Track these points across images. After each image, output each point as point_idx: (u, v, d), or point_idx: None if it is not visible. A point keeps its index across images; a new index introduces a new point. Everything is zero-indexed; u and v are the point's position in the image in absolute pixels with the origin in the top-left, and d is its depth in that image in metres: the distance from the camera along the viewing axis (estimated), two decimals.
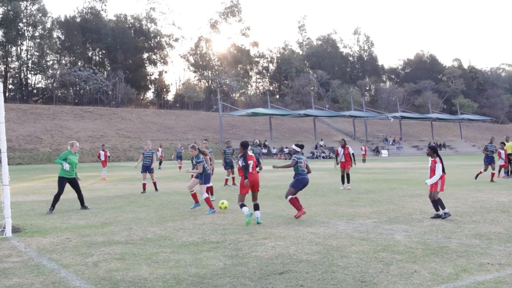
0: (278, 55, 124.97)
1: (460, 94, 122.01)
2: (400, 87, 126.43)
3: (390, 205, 13.60)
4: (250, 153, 11.19)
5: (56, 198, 13.11)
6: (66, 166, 13.08)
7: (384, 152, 74.89)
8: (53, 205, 13.04)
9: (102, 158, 28.08)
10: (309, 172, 11.73)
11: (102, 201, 15.54)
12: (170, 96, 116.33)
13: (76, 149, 13.57)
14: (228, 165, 20.79)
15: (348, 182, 18.55)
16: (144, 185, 18.55)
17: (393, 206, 13.37)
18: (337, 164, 19.21)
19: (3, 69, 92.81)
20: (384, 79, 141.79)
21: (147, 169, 18.43)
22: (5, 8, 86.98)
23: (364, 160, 45.24)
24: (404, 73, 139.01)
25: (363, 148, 47.69)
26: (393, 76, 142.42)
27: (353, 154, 18.71)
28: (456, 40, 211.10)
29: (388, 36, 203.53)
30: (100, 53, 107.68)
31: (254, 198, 11.05)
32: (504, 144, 23.41)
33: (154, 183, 18.87)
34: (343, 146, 18.57)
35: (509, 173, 23.85)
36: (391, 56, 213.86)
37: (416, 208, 13.00)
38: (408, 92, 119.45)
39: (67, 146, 13.71)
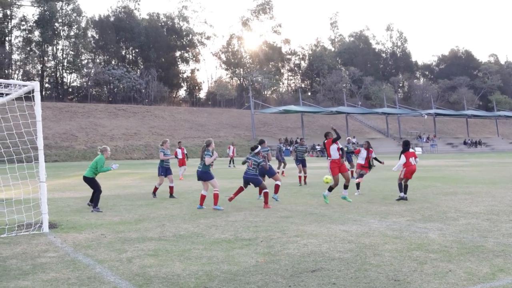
0: (310, 52, 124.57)
1: (497, 90, 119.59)
2: (434, 83, 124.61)
3: (424, 203, 13.41)
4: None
5: (98, 196, 12.96)
6: (115, 166, 13.09)
7: (418, 150, 73.87)
8: (95, 204, 12.84)
9: (180, 156, 25.37)
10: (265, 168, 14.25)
11: (135, 198, 15.74)
12: (202, 94, 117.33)
13: (108, 154, 13.32)
14: (299, 162, 20.40)
15: (358, 188, 16.42)
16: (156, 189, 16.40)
17: (427, 204, 13.18)
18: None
19: (40, 68, 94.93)
20: (418, 75, 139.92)
21: (167, 171, 16.10)
22: (42, 9, 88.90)
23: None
24: (438, 69, 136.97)
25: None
26: (427, 73, 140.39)
27: (375, 158, 16.98)
28: (493, 35, 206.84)
29: (422, 32, 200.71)
30: (133, 51, 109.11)
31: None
32: None
33: (171, 188, 16.14)
34: (367, 148, 16.82)
35: None
36: (425, 52, 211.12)
37: (451, 206, 12.79)
38: (442, 88, 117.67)
39: (98, 151, 13.37)
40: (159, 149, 16.22)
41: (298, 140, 32.48)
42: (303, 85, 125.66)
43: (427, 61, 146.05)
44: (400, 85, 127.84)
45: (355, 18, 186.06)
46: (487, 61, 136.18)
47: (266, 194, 13.08)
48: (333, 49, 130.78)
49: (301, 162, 20.42)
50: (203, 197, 13.08)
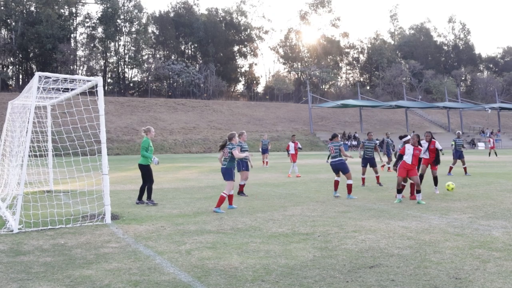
0: (369, 45, 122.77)
1: None
2: (499, 76, 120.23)
3: (487, 200, 13.00)
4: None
5: (150, 187, 12.87)
6: (156, 161, 12.77)
7: (481, 145, 71.65)
8: (149, 196, 12.81)
9: (292, 151, 22.70)
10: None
11: (194, 191, 16.01)
12: (260, 88, 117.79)
13: (152, 134, 13.06)
14: (367, 162, 17.88)
15: (436, 184, 15.17)
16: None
17: (491, 201, 12.78)
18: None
19: (102, 64, 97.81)
20: (481, 68, 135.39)
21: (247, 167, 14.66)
22: (105, 6, 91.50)
23: (495, 154, 42.35)
24: (504, 62, 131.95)
25: (491, 140, 45.05)
26: (491, 65, 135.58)
27: (440, 150, 15.00)
28: None
29: (486, 24, 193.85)
30: (192, 46, 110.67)
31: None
32: None
33: (241, 186, 14.98)
34: (430, 140, 14.95)
35: None
36: (490, 44, 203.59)
37: None
38: (507, 82, 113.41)
39: (142, 132, 13.13)
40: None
41: (355, 135, 31.89)
42: (361, 79, 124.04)
43: (492, 54, 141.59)
44: (463, 78, 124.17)
45: (416, 10, 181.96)
46: None
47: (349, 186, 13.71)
48: (392, 42, 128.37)
49: (369, 161, 17.83)
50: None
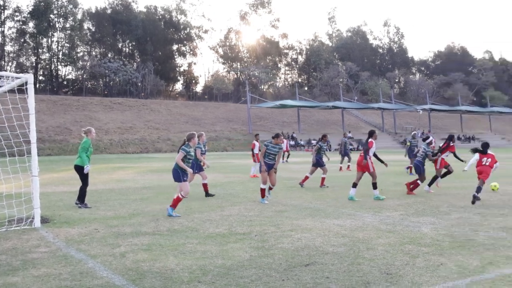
0: (308, 46, 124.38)
1: (491, 87, 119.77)
2: (430, 79, 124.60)
3: (418, 198, 13.47)
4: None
5: (83, 191, 12.31)
6: (87, 169, 12.05)
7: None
8: (82, 200, 12.30)
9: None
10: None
11: (130, 193, 15.71)
12: (198, 88, 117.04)
13: (93, 135, 12.47)
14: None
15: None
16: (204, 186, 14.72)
17: (421, 199, 13.25)
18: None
19: (34, 60, 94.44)
20: (414, 71, 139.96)
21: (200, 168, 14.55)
22: (36, 0, 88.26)
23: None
24: (434, 65, 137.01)
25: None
26: (423, 68, 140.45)
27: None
28: (487, 32, 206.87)
29: (418, 28, 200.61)
30: (130, 44, 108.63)
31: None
32: None
33: (205, 185, 14.68)
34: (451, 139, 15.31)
35: None
36: (421, 48, 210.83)
37: (444, 200, 12.86)
38: (438, 84, 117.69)
39: (82, 133, 12.53)
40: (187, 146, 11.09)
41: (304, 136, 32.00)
42: (300, 80, 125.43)
43: (423, 57, 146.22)
44: (396, 80, 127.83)
45: (353, 14, 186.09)
46: (482, 58, 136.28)
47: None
48: (330, 44, 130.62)
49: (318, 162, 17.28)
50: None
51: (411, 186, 14.63)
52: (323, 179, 17.01)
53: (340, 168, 25.16)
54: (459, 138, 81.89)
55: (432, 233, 8.57)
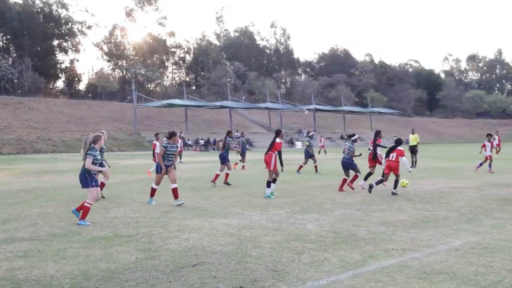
0: (195, 46, 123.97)
1: (371, 88, 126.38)
2: (315, 80, 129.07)
3: (303, 196, 13.86)
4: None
5: None
6: None
7: (298, 144, 76.30)
8: None
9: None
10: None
11: (5, 196, 14.68)
12: (81, 86, 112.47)
13: None
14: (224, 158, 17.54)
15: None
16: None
17: (306, 197, 13.64)
18: None
19: None
20: (300, 72, 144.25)
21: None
22: None
23: (325, 152, 44.95)
24: (319, 67, 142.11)
25: (322, 139, 47.40)
26: (308, 69, 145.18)
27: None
28: (368, 35, 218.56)
29: (304, 30, 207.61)
30: (4, 38, 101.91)
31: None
32: (491, 136, 22.60)
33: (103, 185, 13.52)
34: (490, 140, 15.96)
35: (413, 164, 24.80)
36: (307, 49, 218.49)
37: (328, 198, 13.33)
38: (322, 85, 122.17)
39: None
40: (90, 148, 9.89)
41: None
42: (187, 79, 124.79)
43: (309, 59, 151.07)
44: (283, 81, 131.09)
45: (241, 14, 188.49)
46: (363, 60, 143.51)
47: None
48: (218, 43, 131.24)
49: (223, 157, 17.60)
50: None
51: (346, 182, 15.15)
52: (227, 174, 17.37)
53: (242, 167, 25.20)
54: (342, 137, 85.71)
55: (316, 230, 8.84)
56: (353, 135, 16.17)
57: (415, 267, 6.32)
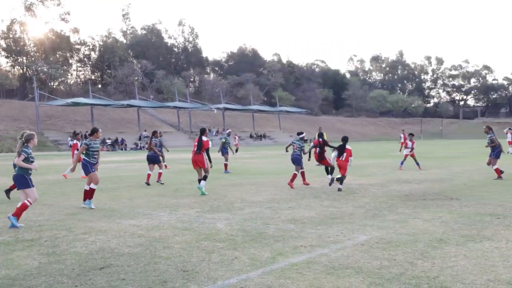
0: (101, 43, 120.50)
1: (279, 87, 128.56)
2: (224, 79, 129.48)
3: (213, 195, 13.89)
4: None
5: None
6: None
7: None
8: None
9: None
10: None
11: None
12: None
13: None
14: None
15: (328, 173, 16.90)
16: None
17: (216, 196, 13.68)
18: None
19: None
20: (208, 71, 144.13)
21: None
22: None
23: (237, 151, 44.66)
24: (228, 66, 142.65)
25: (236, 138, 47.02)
26: (217, 68, 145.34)
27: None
28: (276, 35, 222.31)
29: (212, 29, 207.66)
30: None
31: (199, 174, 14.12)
32: (413, 136, 23.37)
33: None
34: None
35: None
36: (215, 48, 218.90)
37: (238, 196, 13.45)
38: (231, 84, 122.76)
39: None
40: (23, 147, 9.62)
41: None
42: (93, 77, 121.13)
43: (217, 57, 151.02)
44: (192, 79, 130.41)
45: (148, 11, 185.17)
46: (271, 60, 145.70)
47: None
48: (125, 41, 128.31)
49: (152, 157, 17.62)
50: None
51: (292, 178, 15.74)
52: (159, 174, 17.59)
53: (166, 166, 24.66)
54: (251, 136, 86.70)
55: (226, 229, 8.89)
56: (301, 133, 16.87)
57: (323, 263, 6.52)
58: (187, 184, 16.89)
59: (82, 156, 12.01)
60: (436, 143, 64.28)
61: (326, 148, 16.53)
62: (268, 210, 10.94)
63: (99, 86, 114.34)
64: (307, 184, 15.89)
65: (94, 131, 12.07)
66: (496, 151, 17.69)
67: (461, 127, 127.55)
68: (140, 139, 70.40)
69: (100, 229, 9.00)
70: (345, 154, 14.74)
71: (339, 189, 14.38)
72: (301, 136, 16.51)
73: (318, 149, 16.49)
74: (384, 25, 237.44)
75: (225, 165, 22.40)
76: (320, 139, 16.98)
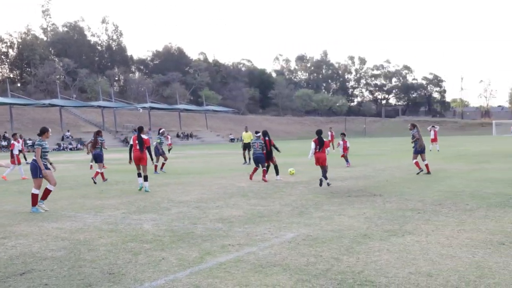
0: (20, 40, 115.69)
1: (206, 86, 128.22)
2: (149, 78, 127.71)
3: (139, 195, 13.71)
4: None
5: None
6: None
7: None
8: None
9: (16, 151, 20.65)
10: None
11: None
12: None
13: None
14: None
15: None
16: None
17: (142, 196, 13.51)
18: None
19: None
20: (134, 69, 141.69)
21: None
22: None
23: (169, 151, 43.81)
24: (153, 65, 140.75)
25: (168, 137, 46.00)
26: (142, 67, 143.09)
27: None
28: (201, 34, 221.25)
29: (137, 27, 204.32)
30: None
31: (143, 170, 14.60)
32: (345, 135, 24.32)
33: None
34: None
35: (248, 161, 25.78)
36: (140, 47, 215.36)
37: (164, 196, 13.34)
38: (157, 83, 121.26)
39: None
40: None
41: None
42: (11, 76, 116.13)
43: (142, 56, 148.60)
44: (116, 78, 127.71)
45: (69, 8, 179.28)
46: (197, 59, 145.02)
47: None
48: (45, 38, 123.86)
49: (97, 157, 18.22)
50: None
51: (257, 172, 16.96)
52: (98, 173, 17.73)
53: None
54: (178, 136, 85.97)
55: (153, 229, 8.81)
56: (258, 132, 17.83)
57: (251, 261, 6.58)
58: (112, 185, 16.55)
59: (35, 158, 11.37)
60: (360, 141, 66.19)
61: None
62: (195, 210, 10.92)
63: (18, 84, 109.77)
64: (266, 181, 16.56)
65: (44, 131, 11.56)
66: (415, 146, 18.58)
67: (383, 125, 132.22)
68: (63, 139, 68.20)
69: (20, 233, 8.68)
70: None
71: (328, 184, 15.04)
72: (258, 134, 17.57)
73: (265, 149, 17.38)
74: (309, 25, 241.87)
75: (163, 164, 22.21)
76: (267, 138, 17.54)
